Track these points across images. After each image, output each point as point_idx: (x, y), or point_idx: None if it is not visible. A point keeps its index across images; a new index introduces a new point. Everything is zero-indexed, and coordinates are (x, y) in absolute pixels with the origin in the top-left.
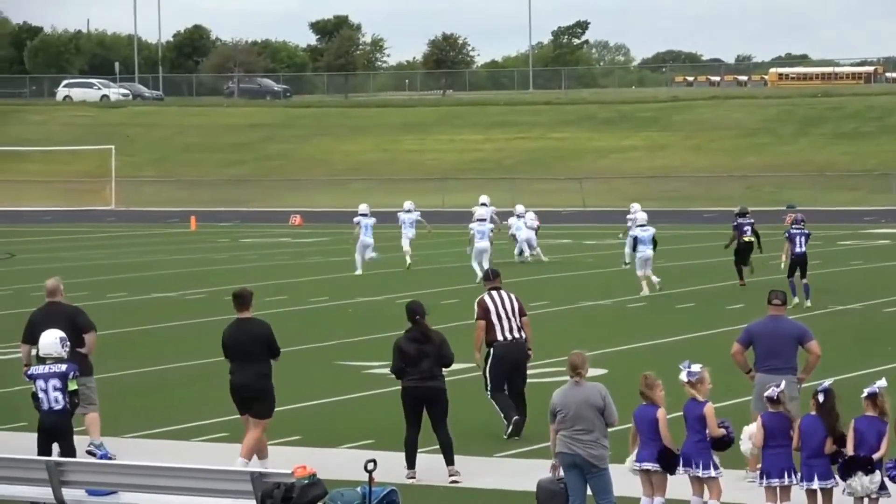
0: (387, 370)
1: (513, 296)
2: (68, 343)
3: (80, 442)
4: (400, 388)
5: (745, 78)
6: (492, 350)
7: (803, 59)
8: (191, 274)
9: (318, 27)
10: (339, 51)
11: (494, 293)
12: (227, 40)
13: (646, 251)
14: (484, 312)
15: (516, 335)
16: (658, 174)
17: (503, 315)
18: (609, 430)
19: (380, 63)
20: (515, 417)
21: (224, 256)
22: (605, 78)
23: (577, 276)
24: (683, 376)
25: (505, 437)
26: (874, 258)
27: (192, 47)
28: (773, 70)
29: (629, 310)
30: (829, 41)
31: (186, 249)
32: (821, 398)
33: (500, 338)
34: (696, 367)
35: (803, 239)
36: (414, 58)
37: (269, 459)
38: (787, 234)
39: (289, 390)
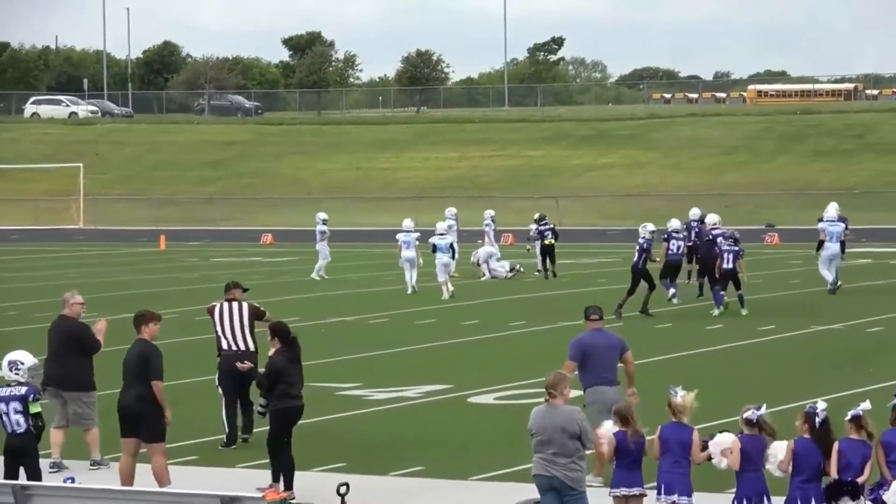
0: (360, 392)
1: (245, 308)
2: (23, 365)
3: (45, 463)
4: (279, 408)
5: (723, 95)
6: (218, 360)
7: (782, 76)
8: (161, 293)
9: (290, 43)
10: (312, 67)
11: (228, 304)
12: (198, 56)
13: (442, 258)
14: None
15: (241, 346)
16: (636, 192)
17: (227, 325)
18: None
19: (352, 80)
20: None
21: (195, 276)
22: (582, 95)
23: (554, 295)
24: (678, 399)
25: (220, 446)
26: (855, 278)
27: (162, 64)
28: (751, 87)
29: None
30: (808, 58)
31: (156, 269)
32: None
33: (224, 347)
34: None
35: (732, 256)
36: (385, 75)
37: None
38: (716, 250)
39: None
